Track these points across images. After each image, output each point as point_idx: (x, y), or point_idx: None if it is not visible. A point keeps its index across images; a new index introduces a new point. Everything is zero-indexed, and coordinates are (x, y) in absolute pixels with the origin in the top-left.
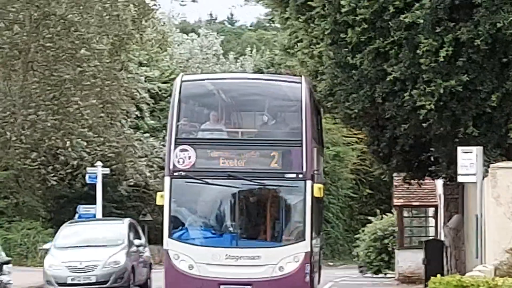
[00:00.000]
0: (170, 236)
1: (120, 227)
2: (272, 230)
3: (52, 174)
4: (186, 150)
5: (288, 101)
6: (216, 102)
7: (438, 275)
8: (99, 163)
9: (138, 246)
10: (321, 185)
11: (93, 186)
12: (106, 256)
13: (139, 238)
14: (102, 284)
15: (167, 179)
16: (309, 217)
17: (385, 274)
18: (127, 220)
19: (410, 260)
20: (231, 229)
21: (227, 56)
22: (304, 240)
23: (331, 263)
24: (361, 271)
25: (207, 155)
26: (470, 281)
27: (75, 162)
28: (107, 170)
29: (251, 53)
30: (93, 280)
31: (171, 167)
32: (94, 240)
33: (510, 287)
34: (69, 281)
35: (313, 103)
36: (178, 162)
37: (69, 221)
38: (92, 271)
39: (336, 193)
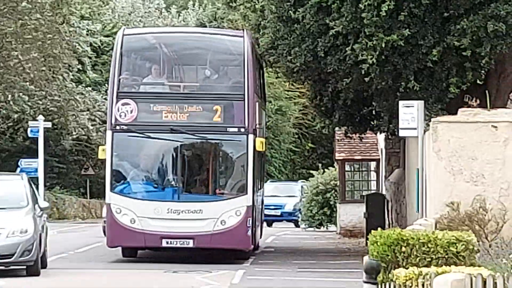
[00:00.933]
0: (112, 190)
1: (19, 184)
2: (214, 184)
3: None
4: (128, 104)
5: (230, 55)
6: (158, 56)
7: (379, 229)
8: (41, 117)
9: (42, 209)
10: (263, 139)
11: (35, 140)
12: (9, 223)
13: (36, 197)
14: (6, 259)
15: (109, 133)
16: (251, 171)
17: (327, 228)
18: (25, 176)
19: (351, 214)
20: (173, 183)
21: (169, 10)
22: (246, 194)
23: None
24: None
25: (149, 109)
26: (410, 234)
27: (16, 116)
28: (49, 124)
29: (193, 7)
30: None
31: (113, 121)
32: None
33: (449, 240)
34: None
35: (255, 57)
36: (120, 116)
37: None
38: None
39: (278, 147)
